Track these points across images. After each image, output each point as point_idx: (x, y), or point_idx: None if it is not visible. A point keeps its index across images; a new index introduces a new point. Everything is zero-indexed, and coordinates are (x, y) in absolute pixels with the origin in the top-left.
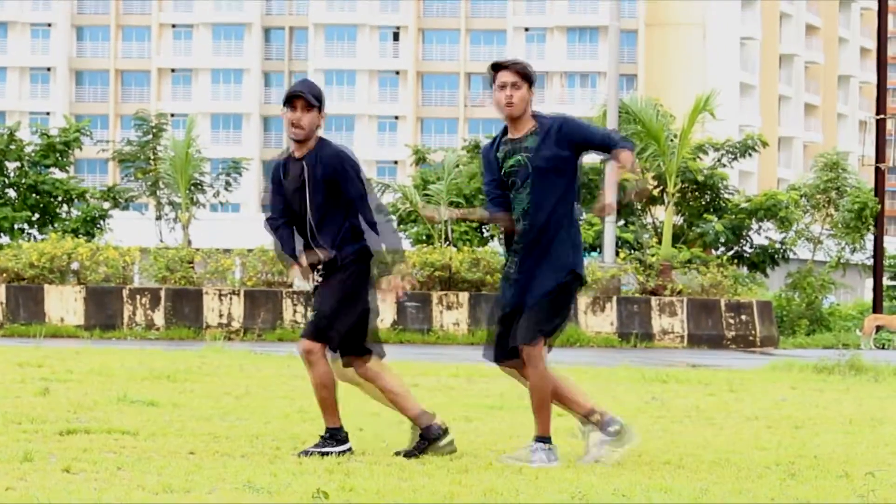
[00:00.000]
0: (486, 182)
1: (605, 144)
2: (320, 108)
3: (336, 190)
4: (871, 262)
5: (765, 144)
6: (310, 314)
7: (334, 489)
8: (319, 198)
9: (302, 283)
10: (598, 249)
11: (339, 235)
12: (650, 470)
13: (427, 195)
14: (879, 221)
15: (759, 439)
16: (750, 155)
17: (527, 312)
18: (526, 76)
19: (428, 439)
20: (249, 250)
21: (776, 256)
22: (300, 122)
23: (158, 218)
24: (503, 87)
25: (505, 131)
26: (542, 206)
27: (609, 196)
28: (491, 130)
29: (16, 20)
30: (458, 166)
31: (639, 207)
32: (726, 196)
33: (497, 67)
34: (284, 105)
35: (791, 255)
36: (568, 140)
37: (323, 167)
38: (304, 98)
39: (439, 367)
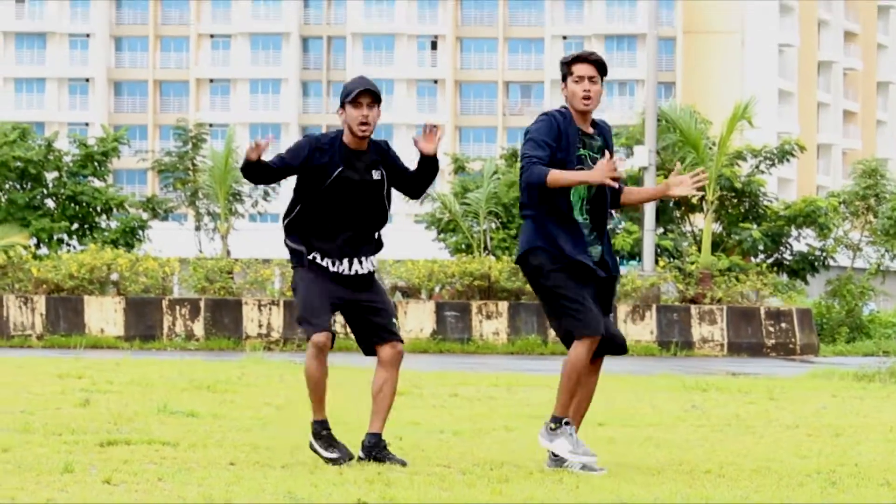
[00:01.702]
0: (546, 150)
1: None
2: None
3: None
4: None
5: (802, 149)
6: (390, 319)
7: (375, 499)
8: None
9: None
10: (638, 258)
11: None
12: (691, 479)
13: (466, 203)
14: None
15: (799, 447)
16: (788, 160)
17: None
18: (604, 71)
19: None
20: (289, 260)
21: (816, 264)
22: (367, 118)
23: (198, 228)
24: (581, 79)
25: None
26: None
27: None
28: None
29: (54, 31)
30: (496, 175)
31: (678, 215)
32: (765, 203)
33: (577, 60)
34: (348, 103)
35: (831, 263)
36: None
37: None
38: (371, 94)
39: (479, 377)
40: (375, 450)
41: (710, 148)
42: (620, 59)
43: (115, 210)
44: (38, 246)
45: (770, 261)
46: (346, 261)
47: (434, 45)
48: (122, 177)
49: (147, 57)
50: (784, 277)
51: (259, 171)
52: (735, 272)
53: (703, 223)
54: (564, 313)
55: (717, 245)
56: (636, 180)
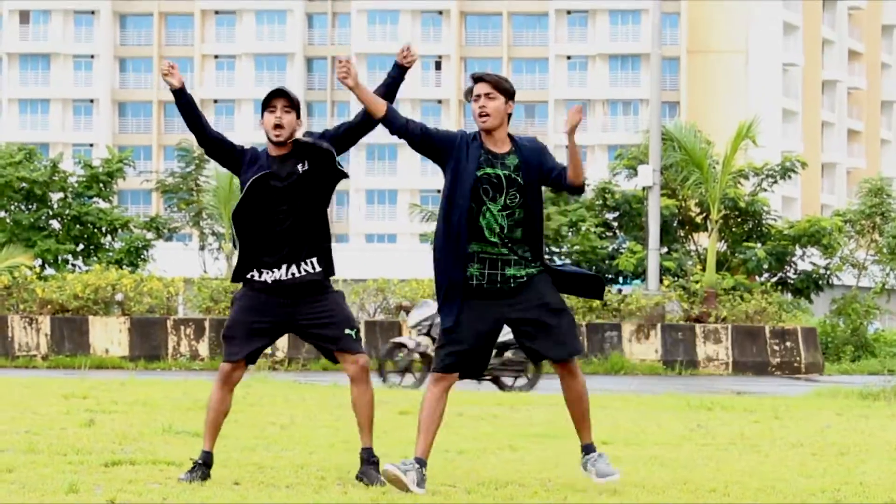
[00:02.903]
0: (426, 127)
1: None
2: (299, 114)
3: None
4: None
5: (804, 165)
6: (342, 331)
7: None
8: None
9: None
10: (642, 277)
11: (324, 245)
12: (696, 498)
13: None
14: None
15: (804, 466)
16: (790, 177)
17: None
18: (501, 88)
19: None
20: None
21: (820, 282)
22: (281, 121)
23: (202, 248)
24: (477, 98)
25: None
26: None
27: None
28: None
29: (58, 52)
30: None
31: (682, 235)
32: (769, 222)
33: (474, 80)
34: (264, 111)
35: (835, 281)
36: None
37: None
38: (285, 97)
39: (484, 396)
40: (363, 464)
41: (714, 167)
42: (625, 78)
43: (119, 230)
44: (42, 266)
45: (774, 280)
46: (284, 266)
47: (438, 66)
48: (126, 197)
49: (151, 78)
50: (788, 296)
51: (187, 112)
52: (740, 291)
53: (708, 242)
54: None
55: (722, 264)
56: (639, 200)
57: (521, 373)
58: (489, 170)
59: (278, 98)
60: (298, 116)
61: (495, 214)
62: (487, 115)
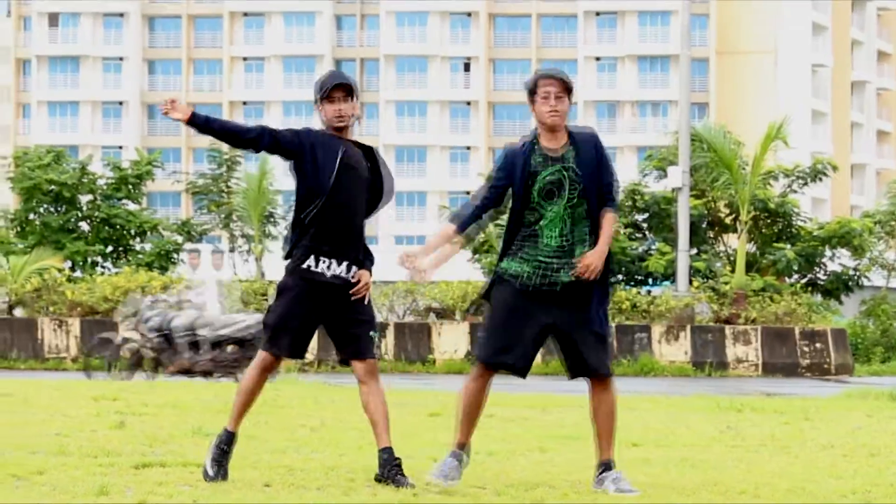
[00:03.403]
0: (485, 188)
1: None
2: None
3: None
4: None
5: (835, 168)
6: (367, 332)
7: None
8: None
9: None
10: (672, 279)
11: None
12: (726, 500)
13: (500, 225)
14: None
15: (834, 468)
16: (820, 180)
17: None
18: (569, 89)
19: None
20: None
21: (850, 283)
22: (342, 111)
23: (232, 250)
24: (547, 95)
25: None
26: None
27: (598, 259)
28: None
29: (88, 54)
30: None
31: (711, 236)
32: (799, 223)
33: (542, 77)
34: (323, 100)
35: (865, 282)
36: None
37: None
38: (344, 87)
39: (513, 398)
40: (388, 467)
41: (744, 168)
42: (653, 79)
43: (149, 233)
44: (72, 269)
45: (804, 281)
46: (345, 263)
47: (467, 67)
48: (155, 199)
49: (180, 80)
50: (818, 297)
51: (215, 134)
52: (769, 292)
53: (737, 244)
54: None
55: (751, 265)
56: (669, 201)
57: (234, 372)
58: (550, 170)
59: (338, 88)
60: (355, 100)
61: (560, 213)
62: (558, 114)
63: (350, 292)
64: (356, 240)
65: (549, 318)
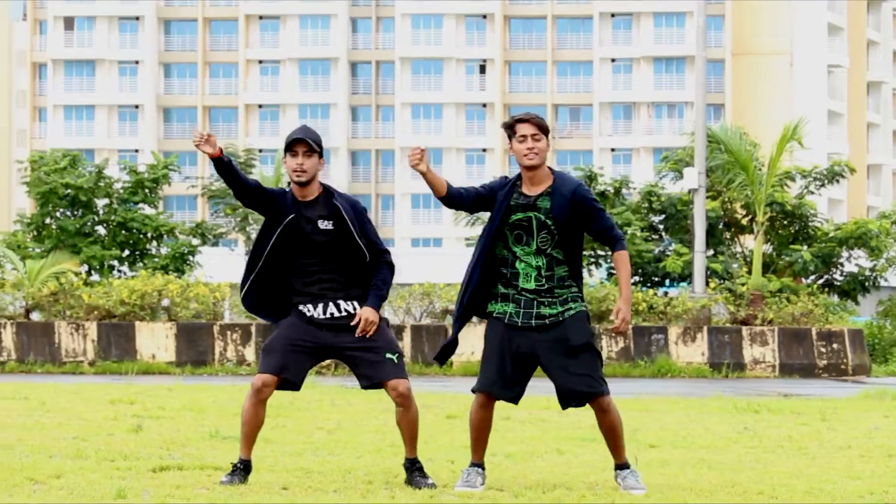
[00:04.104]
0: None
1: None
2: (320, 154)
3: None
4: None
5: (852, 171)
6: (383, 356)
7: None
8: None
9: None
10: (688, 280)
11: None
12: (743, 500)
13: None
14: None
15: (852, 469)
16: (838, 181)
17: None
18: (545, 131)
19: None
20: None
21: (867, 284)
22: (302, 166)
23: (248, 253)
24: (524, 138)
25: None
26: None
27: (625, 308)
28: (578, 162)
29: (104, 58)
30: None
31: (728, 237)
32: (815, 224)
33: (519, 121)
34: (286, 152)
35: (882, 283)
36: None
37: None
38: (305, 143)
39: (531, 400)
40: (409, 472)
41: (760, 169)
42: (669, 80)
43: (165, 236)
44: (89, 273)
45: (821, 282)
46: (320, 306)
47: (483, 69)
48: (172, 203)
49: (196, 83)
50: (835, 298)
51: (229, 176)
52: (786, 293)
53: (754, 245)
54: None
55: (768, 266)
56: (685, 203)
57: None
58: (521, 214)
59: (300, 143)
60: (321, 157)
61: (531, 257)
62: (536, 154)
63: (356, 334)
64: (329, 284)
65: (534, 349)
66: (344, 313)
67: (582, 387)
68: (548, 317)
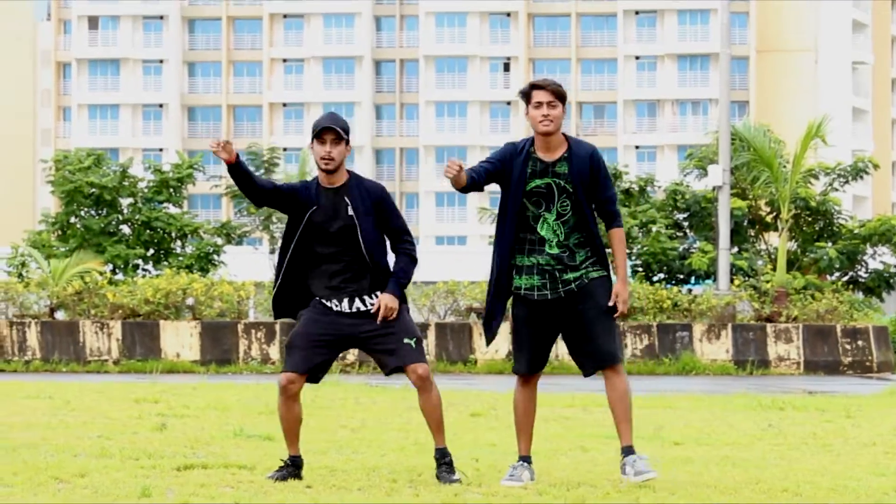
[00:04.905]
0: (481, 167)
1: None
2: (348, 142)
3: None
4: None
5: (876, 167)
6: (401, 341)
7: None
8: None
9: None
10: (713, 277)
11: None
12: (768, 498)
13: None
14: None
15: (877, 465)
16: (861, 178)
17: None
18: (562, 98)
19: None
20: None
21: (892, 281)
22: (330, 154)
23: (272, 252)
24: (539, 105)
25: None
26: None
27: (624, 289)
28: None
29: (128, 57)
30: None
31: (752, 234)
32: (840, 221)
33: (534, 87)
34: (314, 140)
35: None
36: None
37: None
38: (334, 131)
39: (554, 398)
40: (437, 465)
41: (784, 167)
42: (693, 78)
43: (189, 236)
44: (113, 272)
45: (845, 279)
46: (346, 300)
47: (507, 67)
48: (196, 202)
49: (220, 82)
50: (860, 295)
51: (243, 181)
52: (811, 290)
53: (778, 242)
54: None
55: (792, 264)
56: (709, 200)
57: None
58: (538, 181)
59: (328, 131)
60: (348, 144)
61: (551, 224)
62: (550, 122)
63: (377, 321)
64: (355, 277)
65: (559, 316)
66: (369, 307)
67: (604, 348)
68: (573, 281)
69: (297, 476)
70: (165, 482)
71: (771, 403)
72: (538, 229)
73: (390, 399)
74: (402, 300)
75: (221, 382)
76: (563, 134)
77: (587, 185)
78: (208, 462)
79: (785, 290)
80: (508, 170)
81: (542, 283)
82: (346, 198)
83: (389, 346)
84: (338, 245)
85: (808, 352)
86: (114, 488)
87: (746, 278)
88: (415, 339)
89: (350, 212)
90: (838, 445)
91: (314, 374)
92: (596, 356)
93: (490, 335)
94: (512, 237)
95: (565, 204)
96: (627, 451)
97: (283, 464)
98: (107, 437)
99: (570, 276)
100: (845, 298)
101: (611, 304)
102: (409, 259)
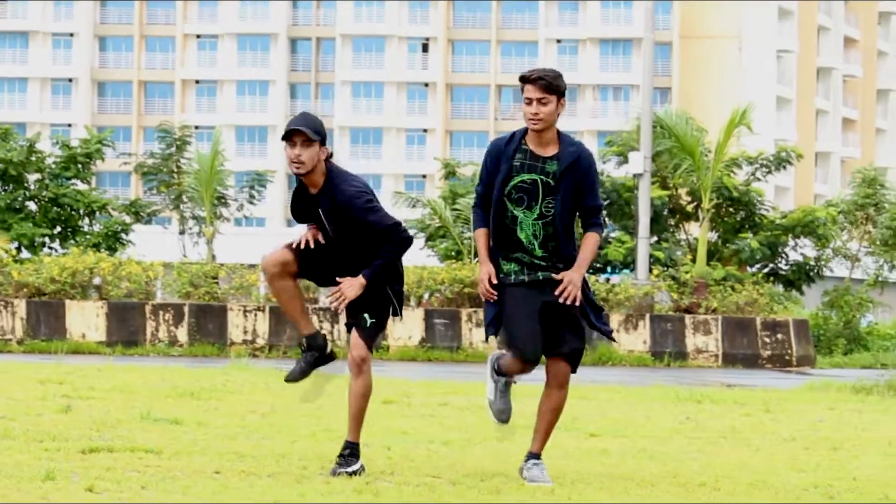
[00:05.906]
0: (482, 184)
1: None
2: (322, 142)
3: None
4: None
5: (799, 157)
6: (361, 313)
7: None
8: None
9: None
10: (631, 267)
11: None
12: (685, 492)
13: (456, 209)
14: None
15: (796, 461)
16: (784, 168)
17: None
18: (553, 90)
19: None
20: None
21: (812, 273)
22: (300, 157)
23: (182, 232)
24: (530, 102)
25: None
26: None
27: (577, 275)
28: None
29: (37, 30)
30: None
31: (672, 224)
32: (762, 212)
33: (524, 80)
34: (283, 140)
35: (828, 273)
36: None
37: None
38: (303, 133)
39: (469, 386)
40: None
41: (706, 155)
42: (615, 63)
43: (97, 213)
44: (19, 249)
45: (766, 270)
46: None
47: (425, 48)
48: (105, 179)
49: (132, 57)
50: (780, 288)
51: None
52: (731, 282)
53: (699, 232)
54: None
55: (713, 254)
56: (630, 188)
57: None
58: (525, 175)
59: (297, 133)
60: (322, 144)
61: (530, 224)
62: (539, 120)
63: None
64: (349, 272)
65: (543, 298)
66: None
67: (574, 344)
68: (549, 269)
69: (326, 359)
70: (70, 465)
71: (689, 396)
72: (517, 232)
73: (300, 384)
74: (387, 283)
75: (128, 364)
76: (559, 131)
77: (575, 187)
78: (114, 445)
79: (704, 282)
80: (499, 164)
81: (521, 270)
82: (318, 208)
83: (355, 312)
84: (330, 240)
85: (726, 344)
86: (17, 471)
87: (665, 269)
88: (374, 321)
89: (323, 219)
90: (757, 440)
91: (303, 265)
92: (560, 342)
93: (492, 332)
94: (493, 234)
95: (549, 205)
96: (533, 455)
97: (301, 348)
98: (10, 418)
99: (546, 275)
100: (766, 291)
101: (558, 291)
102: (392, 245)
